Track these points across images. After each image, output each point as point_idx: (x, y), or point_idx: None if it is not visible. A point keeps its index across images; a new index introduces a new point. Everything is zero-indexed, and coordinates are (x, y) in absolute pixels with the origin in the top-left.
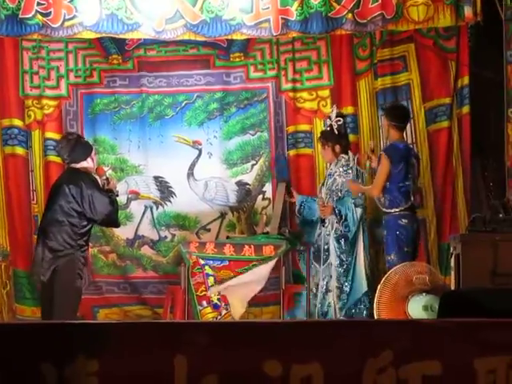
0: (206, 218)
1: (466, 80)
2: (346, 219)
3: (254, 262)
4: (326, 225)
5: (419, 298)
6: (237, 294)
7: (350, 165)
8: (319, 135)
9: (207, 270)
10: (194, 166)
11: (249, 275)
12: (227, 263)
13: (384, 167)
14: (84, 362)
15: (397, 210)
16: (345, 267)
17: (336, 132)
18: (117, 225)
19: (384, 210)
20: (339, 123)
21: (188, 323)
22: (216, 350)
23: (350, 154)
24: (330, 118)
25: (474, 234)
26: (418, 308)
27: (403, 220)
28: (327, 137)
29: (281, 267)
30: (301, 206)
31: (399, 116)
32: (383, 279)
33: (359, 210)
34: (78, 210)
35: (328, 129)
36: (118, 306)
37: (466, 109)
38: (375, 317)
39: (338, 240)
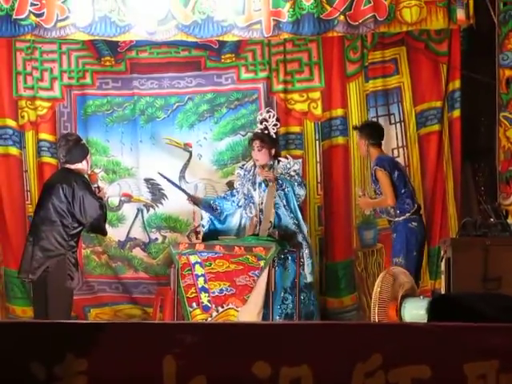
0: (197, 220)
1: (457, 83)
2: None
3: (247, 255)
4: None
5: (420, 301)
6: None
7: (296, 170)
8: (252, 136)
9: (197, 269)
10: (185, 168)
11: (253, 295)
12: (221, 255)
13: (385, 178)
14: (73, 361)
15: (408, 214)
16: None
17: (273, 136)
18: (104, 233)
19: (395, 219)
20: (277, 127)
21: (177, 324)
22: (205, 351)
23: (290, 158)
24: (265, 119)
25: (464, 238)
26: (419, 310)
27: (413, 223)
28: (265, 139)
29: (271, 269)
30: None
31: (375, 134)
32: (380, 280)
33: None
34: (69, 210)
35: (265, 132)
36: (108, 305)
37: (456, 112)
38: (372, 319)
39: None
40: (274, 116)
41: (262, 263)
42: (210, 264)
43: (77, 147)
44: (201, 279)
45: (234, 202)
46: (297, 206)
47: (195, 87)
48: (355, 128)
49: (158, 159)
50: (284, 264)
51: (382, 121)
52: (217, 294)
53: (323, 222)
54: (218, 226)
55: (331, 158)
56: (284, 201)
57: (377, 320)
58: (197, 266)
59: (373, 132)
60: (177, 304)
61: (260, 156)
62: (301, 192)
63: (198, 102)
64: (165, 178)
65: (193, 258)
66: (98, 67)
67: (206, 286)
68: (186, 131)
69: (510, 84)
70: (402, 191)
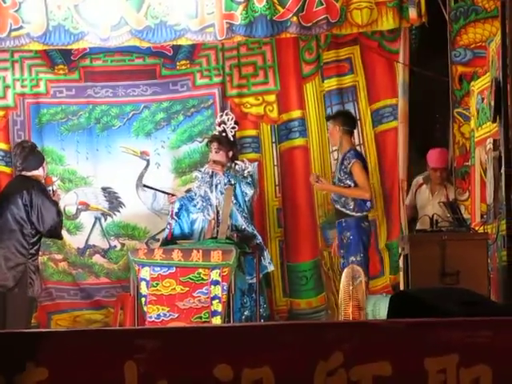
0: (155, 228)
1: (406, 79)
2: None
3: (200, 270)
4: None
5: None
6: None
7: (250, 172)
8: (210, 138)
9: (142, 289)
10: (142, 176)
11: None
12: (174, 270)
13: (363, 171)
14: (33, 370)
15: (362, 213)
16: None
17: (231, 138)
18: (60, 237)
19: (351, 213)
20: (234, 130)
21: (137, 329)
22: (166, 356)
23: (246, 161)
24: (223, 122)
25: (421, 234)
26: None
27: (365, 223)
28: (222, 141)
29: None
30: (179, 209)
31: (349, 121)
32: (347, 278)
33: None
34: (28, 217)
35: (223, 134)
36: (67, 311)
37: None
38: (344, 317)
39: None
40: (232, 119)
41: (213, 274)
42: (157, 284)
43: (33, 154)
44: (142, 299)
45: (195, 205)
46: (245, 202)
47: (151, 95)
48: (328, 118)
49: (115, 168)
50: (241, 266)
51: None
52: (154, 319)
53: (283, 224)
54: (178, 230)
55: (291, 159)
56: (233, 196)
57: (351, 317)
58: (142, 284)
59: (347, 119)
60: (137, 310)
61: (217, 157)
62: (247, 190)
63: (155, 111)
64: (149, 187)
65: (144, 273)
66: (52, 75)
67: (145, 308)
68: (142, 139)
69: (463, 80)
70: None
